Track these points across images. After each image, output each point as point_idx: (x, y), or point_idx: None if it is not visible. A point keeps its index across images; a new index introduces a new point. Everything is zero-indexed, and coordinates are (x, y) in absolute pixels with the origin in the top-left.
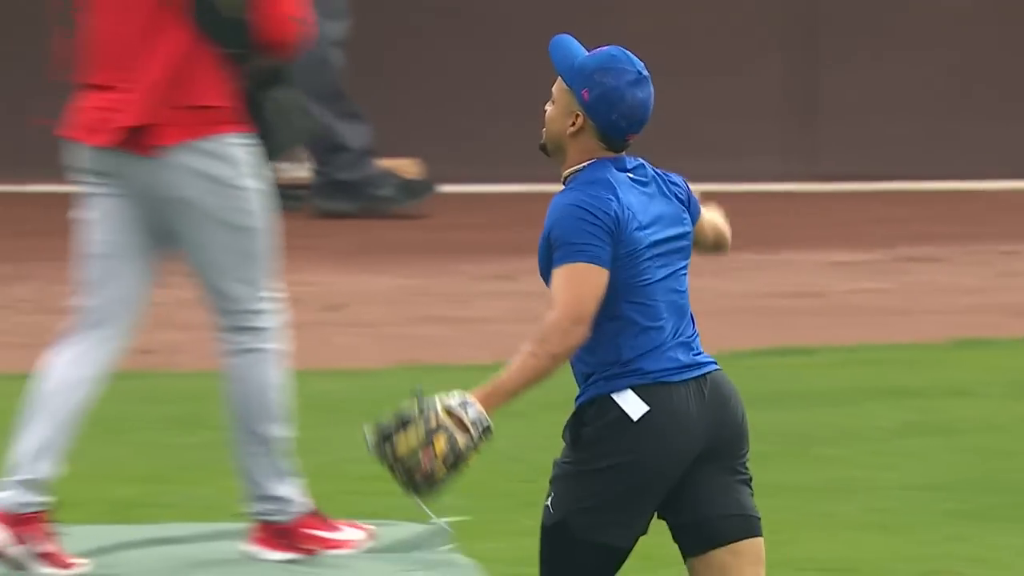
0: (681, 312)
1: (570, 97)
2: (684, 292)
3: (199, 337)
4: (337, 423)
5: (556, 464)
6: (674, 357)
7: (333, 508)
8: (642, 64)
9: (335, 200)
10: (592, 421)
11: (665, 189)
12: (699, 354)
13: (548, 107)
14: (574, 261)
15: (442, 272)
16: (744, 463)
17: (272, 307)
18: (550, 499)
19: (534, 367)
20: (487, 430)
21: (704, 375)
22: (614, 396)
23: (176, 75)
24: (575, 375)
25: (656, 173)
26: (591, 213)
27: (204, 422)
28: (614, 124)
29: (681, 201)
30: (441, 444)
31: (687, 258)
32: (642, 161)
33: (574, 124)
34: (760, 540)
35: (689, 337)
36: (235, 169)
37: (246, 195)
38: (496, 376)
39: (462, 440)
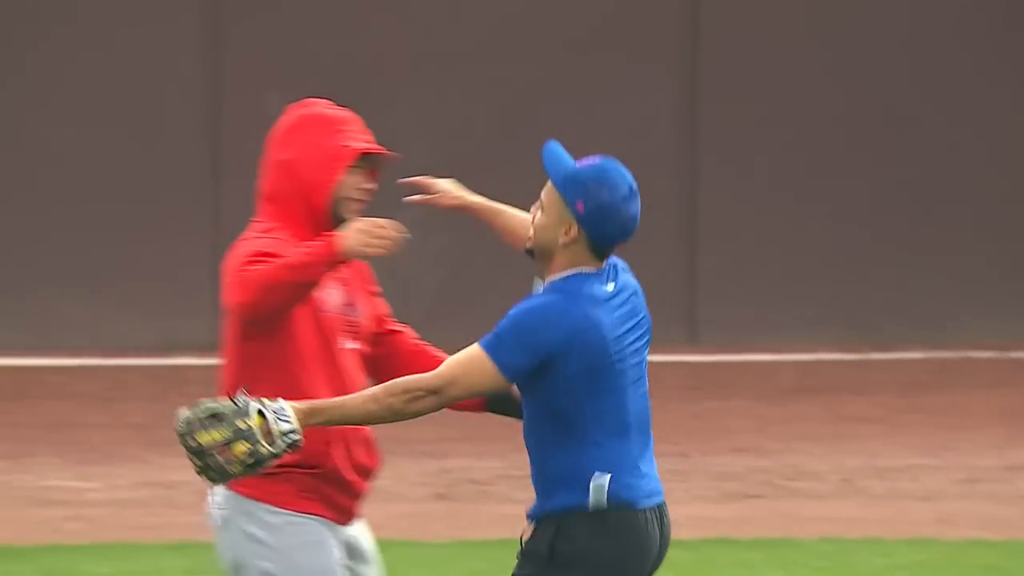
0: (645, 423)
1: (563, 207)
2: (647, 402)
3: None
4: None
5: None
6: (642, 474)
7: None
8: (632, 177)
9: None
10: (569, 535)
11: (637, 297)
12: (654, 476)
13: (536, 213)
14: (489, 352)
15: None
16: None
17: None
18: None
19: (368, 411)
20: (294, 444)
21: (662, 504)
22: (590, 509)
23: None
24: (538, 484)
25: (630, 278)
26: (540, 325)
27: None
28: (608, 236)
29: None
30: (240, 448)
31: (645, 369)
32: (619, 269)
33: (567, 234)
34: None
35: (650, 449)
36: None
37: None
38: (334, 401)
39: (264, 449)
